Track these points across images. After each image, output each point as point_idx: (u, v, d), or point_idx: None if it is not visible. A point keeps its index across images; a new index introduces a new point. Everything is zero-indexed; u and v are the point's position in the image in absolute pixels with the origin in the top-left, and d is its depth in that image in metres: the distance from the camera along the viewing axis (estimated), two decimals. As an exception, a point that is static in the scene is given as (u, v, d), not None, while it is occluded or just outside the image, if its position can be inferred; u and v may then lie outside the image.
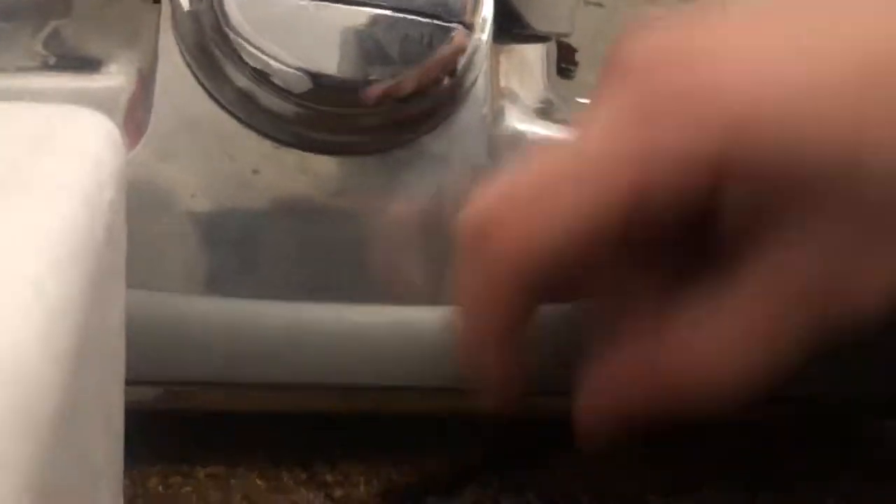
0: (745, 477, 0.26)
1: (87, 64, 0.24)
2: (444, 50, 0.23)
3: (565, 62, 0.62)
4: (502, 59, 0.27)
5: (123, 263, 0.17)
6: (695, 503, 0.25)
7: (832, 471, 0.26)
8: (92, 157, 0.16)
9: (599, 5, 0.56)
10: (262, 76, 0.22)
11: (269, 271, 0.23)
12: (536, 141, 0.25)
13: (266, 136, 0.23)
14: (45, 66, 0.24)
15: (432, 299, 0.23)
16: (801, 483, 0.26)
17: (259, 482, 0.25)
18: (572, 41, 0.60)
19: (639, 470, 0.26)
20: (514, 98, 0.27)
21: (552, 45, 0.30)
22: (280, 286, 0.23)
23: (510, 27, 0.26)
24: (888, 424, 0.28)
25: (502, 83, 0.26)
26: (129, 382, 0.18)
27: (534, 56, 0.29)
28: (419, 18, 0.23)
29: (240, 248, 0.23)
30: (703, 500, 0.25)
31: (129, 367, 0.18)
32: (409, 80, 0.23)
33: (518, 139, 0.25)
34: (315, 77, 0.22)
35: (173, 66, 0.23)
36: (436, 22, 0.23)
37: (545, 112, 0.27)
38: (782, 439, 0.27)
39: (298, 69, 0.22)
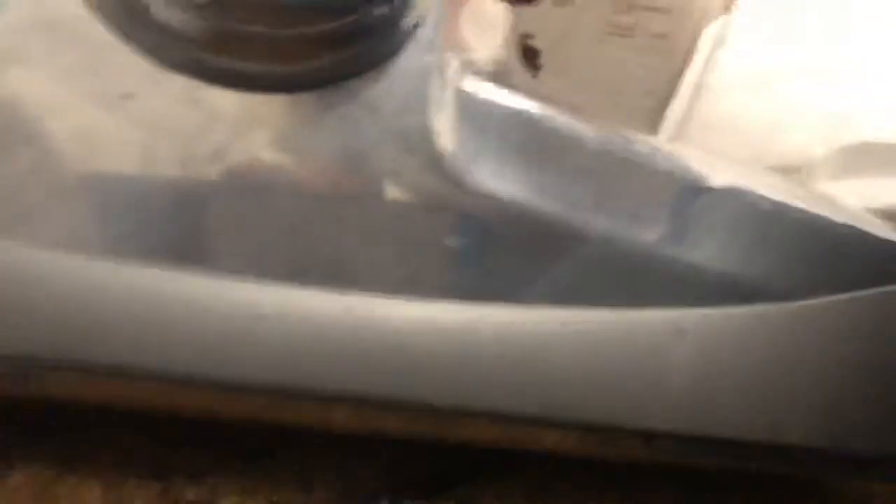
0: None
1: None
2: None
3: (528, 64, 0.59)
4: (460, 6, 0.22)
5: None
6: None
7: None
8: None
9: (563, 4, 0.53)
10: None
11: (128, 226, 0.18)
12: (483, 103, 0.21)
13: (148, 52, 0.18)
14: None
15: (323, 277, 0.19)
16: None
17: (97, 489, 0.19)
18: (536, 42, 0.56)
19: None
20: (466, 53, 0.22)
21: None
22: (140, 246, 0.18)
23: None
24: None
25: (456, 33, 0.22)
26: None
27: (496, 10, 0.24)
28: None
29: (95, 191, 0.18)
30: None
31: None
32: (334, -1, 0.18)
33: (470, 101, 0.21)
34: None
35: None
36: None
37: (500, 76, 0.23)
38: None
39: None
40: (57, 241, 0.18)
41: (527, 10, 0.55)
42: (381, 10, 0.19)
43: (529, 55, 0.56)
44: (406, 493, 0.21)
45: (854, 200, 0.33)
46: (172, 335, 0.18)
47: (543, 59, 0.55)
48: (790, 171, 0.34)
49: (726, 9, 0.49)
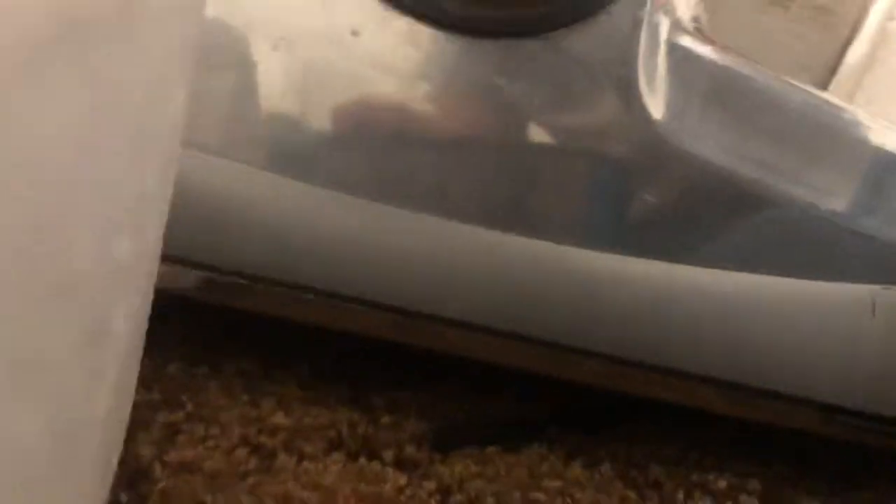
0: None
1: None
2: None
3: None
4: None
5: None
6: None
7: None
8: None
9: None
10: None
11: (351, 161, 0.19)
12: (694, 59, 0.21)
13: (377, -7, 0.19)
14: None
15: (527, 226, 0.19)
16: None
17: (296, 390, 0.21)
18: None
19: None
20: (674, 10, 0.22)
21: None
22: (358, 182, 0.19)
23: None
24: None
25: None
26: (170, 259, 0.14)
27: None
28: None
29: (319, 127, 0.19)
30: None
31: (172, 242, 0.14)
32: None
33: (674, 55, 0.21)
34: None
35: None
36: None
37: (701, 33, 0.23)
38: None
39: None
40: (274, 166, 0.19)
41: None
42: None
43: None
44: (574, 424, 0.22)
45: None
46: (376, 263, 0.19)
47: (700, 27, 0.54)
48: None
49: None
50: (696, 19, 0.23)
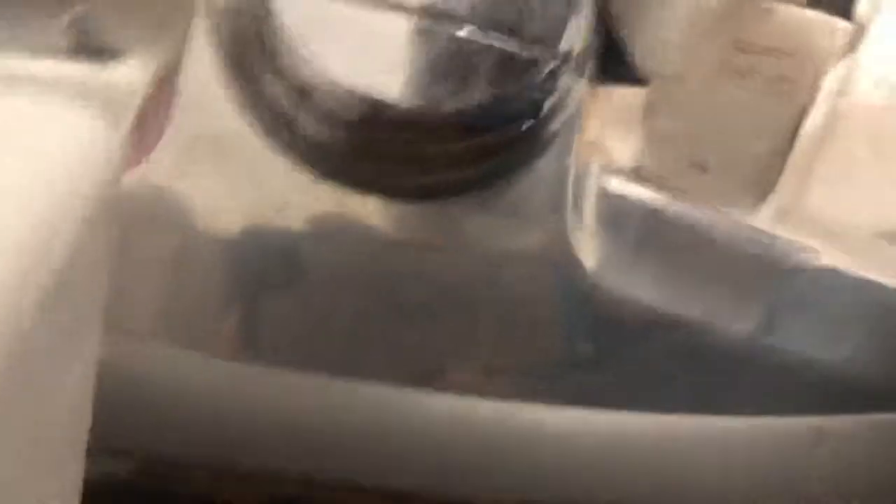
0: None
1: (103, 55, 0.20)
2: (530, 84, 0.19)
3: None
4: (595, 102, 0.22)
5: (100, 299, 0.13)
6: None
7: None
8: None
9: (682, 45, 0.52)
10: (304, 95, 0.18)
11: (288, 336, 0.19)
12: (622, 204, 0.21)
13: (303, 164, 0.19)
14: (57, 53, 0.20)
15: (479, 388, 0.19)
16: None
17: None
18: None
19: None
20: (605, 152, 0.22)
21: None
22: (301, 355, 0.19)
23: (611, 65, 0.21)
24: None
25: (593, 133, 0.22)
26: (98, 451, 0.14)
27: (634, 103, 0.24)
28: (506, 43, 0.19)
29: (254, 301, 0.19)
30: None
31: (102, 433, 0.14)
32: (482, 115, 0.19)
33: (602, 201, 0.21)
34: (370, 102, 0.18)
35: (202, 70, 0.19)
36: (525, 51, 0.19)
37: (639, 172, 0.23)
38: None
39: (349, 91, 0.18)
40: (204, 343, 0.19)
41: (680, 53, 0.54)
42: (528, 125, 0.19)
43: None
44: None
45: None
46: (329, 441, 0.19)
47: (657, 98, 0.55)
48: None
49: (849, 50, 0.48)
50: (636, 157, 0.23)
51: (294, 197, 0.19)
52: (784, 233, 0.28)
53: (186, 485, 0.19)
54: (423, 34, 0.19)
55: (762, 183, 0.50)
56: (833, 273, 0.22)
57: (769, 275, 0.22)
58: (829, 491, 0.21)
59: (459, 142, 0.19)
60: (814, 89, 0.51)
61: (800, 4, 0.51)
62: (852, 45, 0.51)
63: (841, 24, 0.51)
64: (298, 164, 0.19)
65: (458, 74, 0.19)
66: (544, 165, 0.20)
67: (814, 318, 0.21)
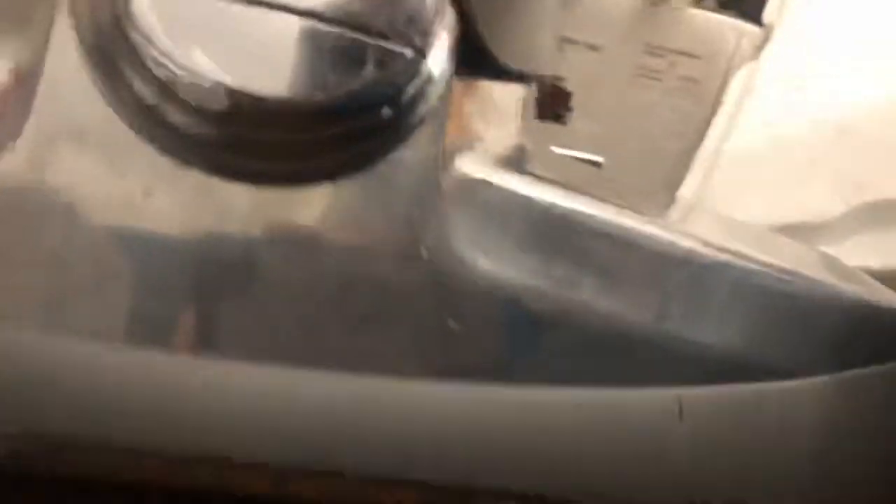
0: None
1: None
2: (387, 76, 0.19)
3: (559, 107, 0.59)
4: (468, 96, 0.23)
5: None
6: None
7: None
8: None
9: (594, 48, 0.53)
10: (166, 88, 0.19)
11: (148, 319, 0.19)
12: (495, 192, 0.22)
13: (167, 152, 0.20)
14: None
15: (338, 363, 0.20)
16: None
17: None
18: (566, 85, 0.57)
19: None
20: (475, 142, 0.23)
21: (536, 87, 0.27)
22: (161, 335, 0.19)
23: (479, 62, 0.22)
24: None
25: (464, 124, 0.23)
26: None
27: (507, 96, 0.25)
28: (364, 37, 0.19)
29: (115, 287, 0.19)
30: None
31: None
32: (341, 105, 0.19)
33: (473, 189, 0.22)
34: (233, 94, 0.19)
35: (65, 62, 0.19)
36: (383, 43, 0.19)
37: (513, 161, 0.24)
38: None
39: (214, 83, 0.19)
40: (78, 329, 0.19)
41: (559, 55, 0.55)
42: (388, 113, 0.20)
43: (560, 98, 0.56)
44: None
45: (874, 257, 0.33)
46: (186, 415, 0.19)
47: (574, 102, 0.56)
48: (811, 227, 0.34)
49: (756, 53, 0.49)
50: (515, 149, 0.24)
51: (160, 184, 0.20)
52: (689, 226, 0.29)
53: (64, 466, 0.19)
54: (284, 28, 0.19)
55: (674, 181, 0.51)
56: (723, 265, 0.23)
57: (659, 265, 0.22)
58: (694, 463, 0.21)
59: (323, 131, 0.19)
60: (722, 90, 0.53)
61: (710, 9, 0.52)
62: (759, 48, 0.52)
63: (750, 28, 0.53)
64: (164, 153, 0.20)
65: (318, 66, 0.19)
66: (411, 154, 0.21)
67: (702, 306, 0.22)
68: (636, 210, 0.26)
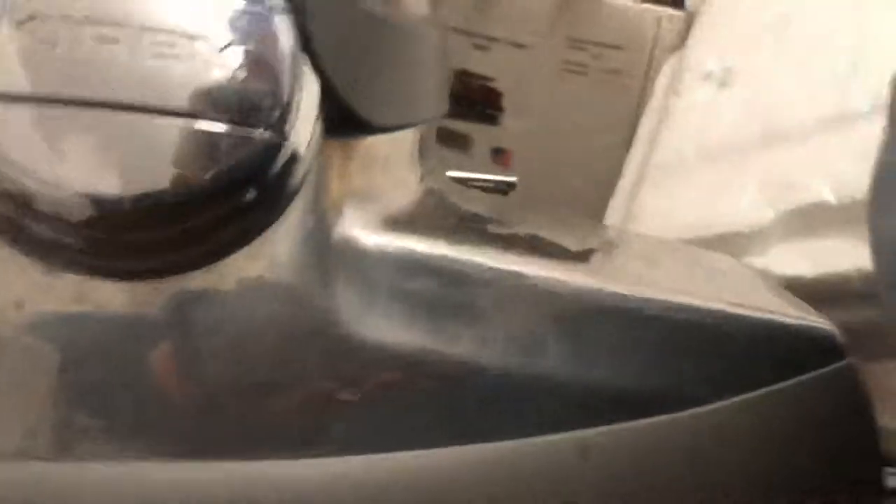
0: None
1: None
2: (243, 159, 0.19)
3: (490, 107, 0.59)
4: (349, 156, 0.23)
5: None
6: None
7: None
8: None
9: (519, 46, 0.53)
10: (26, 203, 0.18)
11: (30, 430, 0.19)
12: (381, 254, 0.22)
13: (36, 259, 0.19)
14: None
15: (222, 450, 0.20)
16: None
17: None
18: (497, 85, 0.56)
19: None
20: (366, 201, 0.23)
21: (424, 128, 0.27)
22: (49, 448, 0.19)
23: (346, 120, 0.22)
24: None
25: (350, 184, 0.23)
26: None
27: (397, 143, 0.25)
28: (215, 124, 0.19)
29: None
30: None
31: None
32: (200, 196, 0.19)
33: (360, 253, 0.22)
34: (92, 201, 0.18)
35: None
36: (237, 128, 0.19)
37: (406, 213, 0.24)
38: None
39: (71, 193, 0.18)
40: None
41: (485, 55, 0.55)
42: (253, 194, 0.19)
43: (492, 98, 0.56)
44: None
45: (805, 263, 0.33)
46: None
47: (505, 102, 0.55)
48: (741, 234, 0.34)
49: (679, 41, 0.49)
50: (402, 201, 0.24)
51: (31, 293, 0.19)
52: (604, 256, 0.29)
53: None
54: (137, 125, 0.19)
55: (608, 176, 0.51)
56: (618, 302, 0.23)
57: (539, 311, 0.22)
58: (602, 501, 0.22)
59: (188, 222, 0.19)
60: (647, 79, 0.52)
61: (629, -3, 0.51)
62: (682, 35, 0.52)
63: (670, 12, 0.52)
64: (32, 261, 0.19)
65: (174, 159, 0.19)
66: (288, 227, 0.21)
67: (580, 341, 0.22)
68: (535, 243, 0.26)
